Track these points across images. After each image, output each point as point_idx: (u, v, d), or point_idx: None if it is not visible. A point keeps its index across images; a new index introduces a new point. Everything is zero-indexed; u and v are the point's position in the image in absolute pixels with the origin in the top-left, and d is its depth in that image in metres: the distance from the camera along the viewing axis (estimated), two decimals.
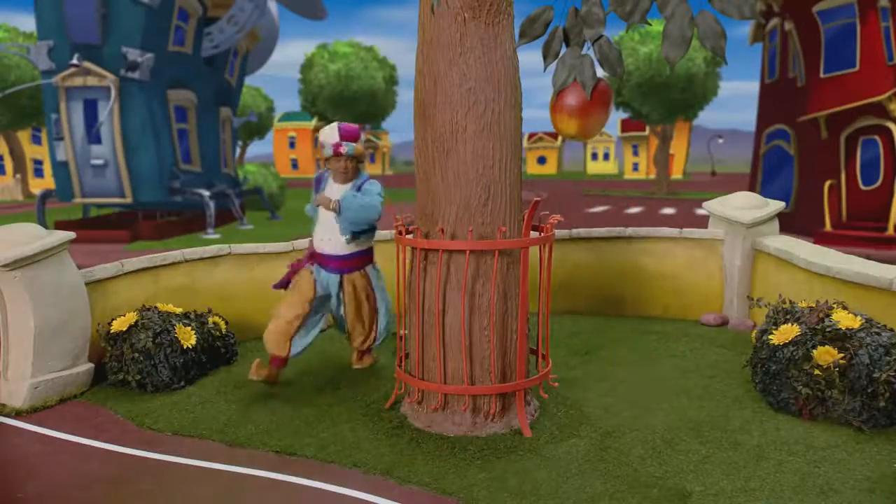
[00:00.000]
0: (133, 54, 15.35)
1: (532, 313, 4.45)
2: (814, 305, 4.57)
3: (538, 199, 4.13)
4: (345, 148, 4.74)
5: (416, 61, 4.21)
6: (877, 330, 4.23)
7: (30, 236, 4.86)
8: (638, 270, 7.03)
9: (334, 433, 4.22)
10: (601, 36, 4.12)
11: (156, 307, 5.35)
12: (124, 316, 5.19)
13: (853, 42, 13.64)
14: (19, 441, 4.29)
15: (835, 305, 4.50)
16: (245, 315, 6.20)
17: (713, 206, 6.98)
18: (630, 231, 7.13)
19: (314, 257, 4.95)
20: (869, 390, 4.05)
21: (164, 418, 4.53)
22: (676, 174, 53.70)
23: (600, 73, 4.25)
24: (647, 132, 53.74)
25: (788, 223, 10.24)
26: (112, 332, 5.12)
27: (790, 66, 15.97)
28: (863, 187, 13.71)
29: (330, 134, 4.79)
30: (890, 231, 12.73)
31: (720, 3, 3.63)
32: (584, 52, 4.25)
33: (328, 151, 4.79)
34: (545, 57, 4.38)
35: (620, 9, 3.94)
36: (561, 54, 4.31)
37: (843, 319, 4.28)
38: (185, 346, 5.16)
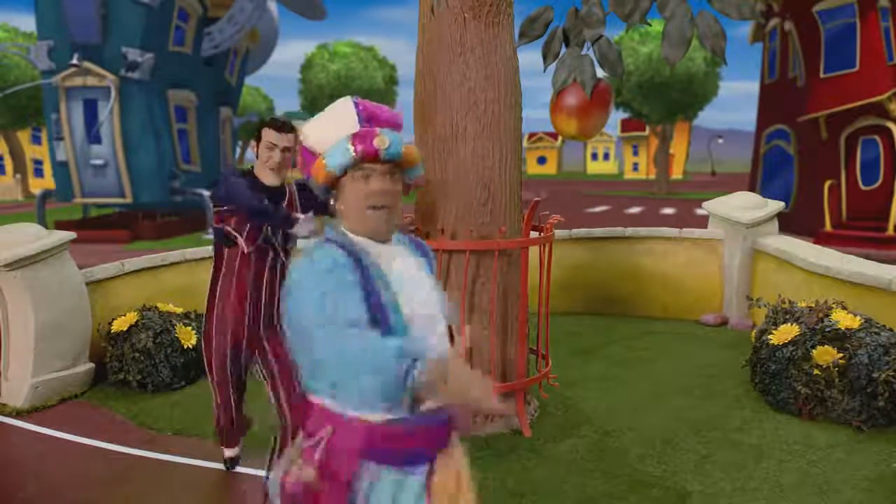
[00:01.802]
0: (133, 54, 15.36)
1: (532, 313, 4.45)
2: (813, 305, 4.58)
3: (538, 199, 4.13)
4: (387, 141, 1.71)
5: (416, 61, 4.21)
6: (876, 330, 4.23)
7: (30, 236, 4.86)
8: (638, 270, 7.03)
9: None
10: (601, 36, 4.13)
11: (156, 307, 5.36)
12: (125, 316, 5.19)
13: (853, 42, 13.66)
14: (20, 441, 4.30)
15: (834, 305, 4.50)
16: None
17: (713, 206, 6.99)
18: (630, 231, 7.14)
19: (369, 447, 1.63)
20: (868, 390, 4.05)
21: (165, 418, 4.54)
22: (676, 174, 53.72)
23: (600, 73, 4.25)
24: (647, 132, 53.74)
25: (788, 223, 10.25)
26: (112, 331, 5.12)
27: (790, 66, 15.98)
28: (863, 187, 13.73)
29: (338, 122, 1.77)
30: (890, 231, 12.74)
31: (720, 4, 3.64)
32: (584, 52, 4.26)
33: (346, 157, 1.68)
34: (545, 57, 4.38)
35: (620, 9, 3.95)
36: (561, 54, 4.32)
37: (843, 319, 4.29)
38: (185, 346, 5.17)
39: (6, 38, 30.00)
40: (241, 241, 3.17)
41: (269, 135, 3.09)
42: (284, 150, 3.09)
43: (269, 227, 3.13)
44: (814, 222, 13.91)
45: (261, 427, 4.35)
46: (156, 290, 5.72)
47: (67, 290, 4.98)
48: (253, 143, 3.15)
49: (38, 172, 38.18)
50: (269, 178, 3.17)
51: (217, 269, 3.30)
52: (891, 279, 4.70)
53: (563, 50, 4.31)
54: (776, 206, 6.80)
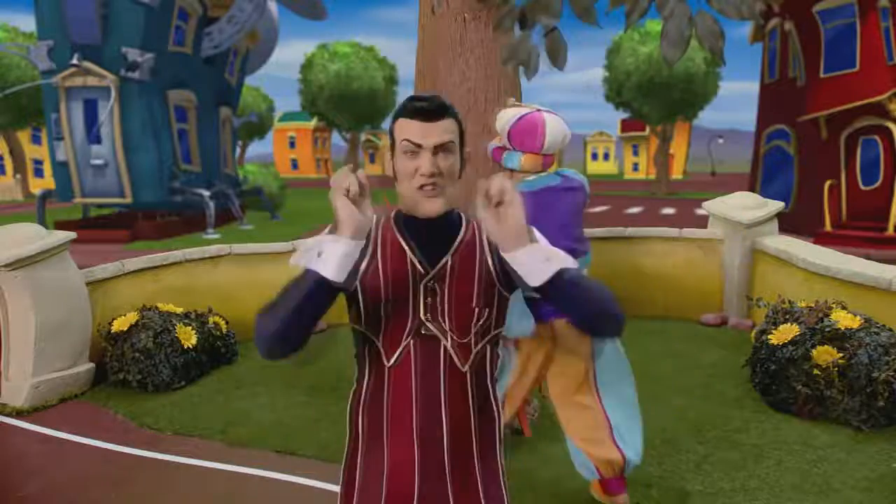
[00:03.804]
0: (133, 54, 15.37)
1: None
2: (813, 305, 4.58)
3: None
4: None
5: (416, 61, 4.22)
6: (876, 330, 4.23)
7: (30, 236, 4.86)
8: (638, 270, 7.03)
9: (334, 433, 4.23)
10: (554, 28, 4.09)
11: (156, 307, 5.36)
12: (125, 316, 5.19)
13: (853, 42, 13.65)
14: (20, 440, 4.30)
15: (834, 305, 4.50)
16: (245, 315, 6.19)
17: (713, 206, 6.99)
18: (630, 231, 7.14)
19: None
20: (868, 390, 4.05)
21: (165, 418, 4.54)
22: (676, 174, 53.74)
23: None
24: (647, 132, 53.76)
25: (788, 223, 10.24)
26: (113, 331, 5.13)
27: (790, 66, 15.97)
28: (863, 187, 13.72)
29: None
30: (890, 231, 12.74)
31: (718, 4, 3.63)
32: (534, 38, 4.20)
33: None
34: (495, 28, 4.32)
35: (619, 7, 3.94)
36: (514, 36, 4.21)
37: (843, 319, 4.29)
38: (185, 346, 5.17)
39: (6, 38, 30.01)
40: (378, 343, 1.55)
41: (407, 129, 1.49)
42: (440, 150, 1.51)
43: (426, 297, 1.52)
44: (814, 222, 13.91)
45: (260, 423, 4.36)
46: (156, 290, 5.72)
47: (67, 290, 4.98)
48: (387, 149, 1.58)
49: (38, 172, 38.19)
50: (423, 207, 1.51)
51: (356, 395, 1.63)
52: (891, 279, 4.70)
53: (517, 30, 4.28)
54: (776, 206, 6.80)
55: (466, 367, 1.53)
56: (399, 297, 1.50)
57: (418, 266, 1.51)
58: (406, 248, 1.52)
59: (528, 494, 3.44)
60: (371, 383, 1.56)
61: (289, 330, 1.37)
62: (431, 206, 1.50)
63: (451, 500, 1.55)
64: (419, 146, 1.47)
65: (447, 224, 1.55)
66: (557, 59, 4.11)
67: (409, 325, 1.51)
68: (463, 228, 1.58)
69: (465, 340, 1.52)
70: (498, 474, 1.64)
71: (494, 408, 1.60)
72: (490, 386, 1.60)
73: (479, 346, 1.54)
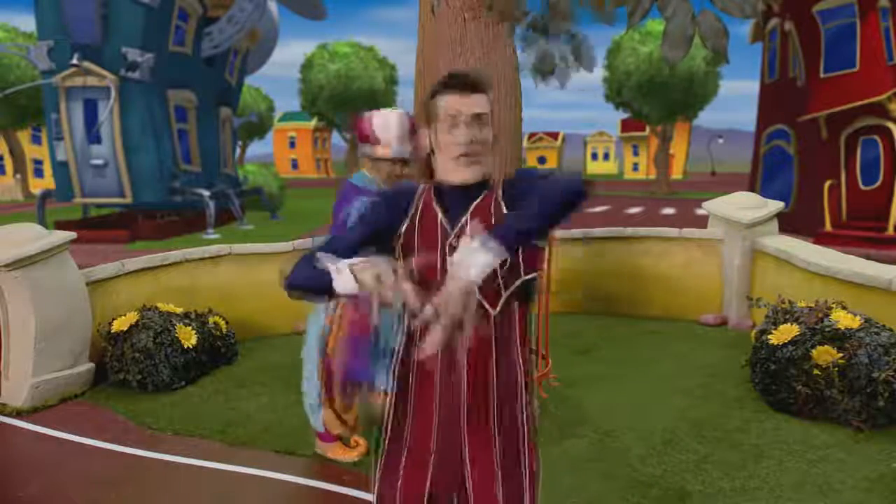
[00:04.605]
0: (133, 54, 15.37)
1: (532, 313, 4.45)
2: (813, 305, 4.58)
3: None
4: None
5: (416, 61, 4.22)
6: (876, 330, 4.23)
7: (30, 236, 4.86)
8: (638, 270, 7.03)
9: None
10: (576, 34, 4.12)
11: (156, 307, 5.36)
12: (125, 316, 5.19)
13: (853, 42, 13.65)
14: (20, 441, 4.30)
15: (834, 305, 4.50)
16: (245, 315, 6.20)
17: (712, 206, 6.99)
18: (630, 231, 7.14)
19: None
20: (868, 390, 4.05)
21: (165, 418, 4.54)
22: (676, 174, 53.73)
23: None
24: (647, 132, 53.76)
25: (788, 223, 10.23)
26: (113, 331, 5.12)
27: (790, 66, 15.97)
28: (863, 187, 13.71)
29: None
30: (890, 231, 12.73)
31: (722, 2, 3.64)
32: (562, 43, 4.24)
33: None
34: (525, 48, 4.36)
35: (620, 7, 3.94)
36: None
37: (843, 319, 4.28)
38: (185, 346, 5.17)
39: (6, 38, 29.99)
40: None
41: (447, 102, 1.66)
42: (475, 119, 1.66)
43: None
44: (814, 222, 13.90)
45: (260, 423, 4.36)
46: (156, 290, 5.72)
47: (67, 290, 4.98)
48: (423, 127, 1.75)
49: (38, 172, 38.18)
50: (458, 174, 1.68)
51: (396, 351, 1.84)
52: (891, 279, 4.70)
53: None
54: (776, 206, 6.80)
55: (496, 311, 1.68)
56: (429, 255, 1.68)
57: (446, 227, 1.69)
58: (438, 211, 1.70)
59: None
60: (406, 339, 1.74)
61: (308, 295, 1.64)
62: (468, 173, 1.66)
63: (466, 457, 1.69)
64: (457, 116, 1.64)
65: (480, 192, 1.70)
66: (585, 61, 4.13)
67: (437, 280, 1.64)
68: (485, 192, 1.72)
69: (495, 286, 1.65)
70: (518, 431, 1.72)
71: (519, 362, 1.72)
72: (517, 340, 1.72)
73: (510, 289, 1.68)
